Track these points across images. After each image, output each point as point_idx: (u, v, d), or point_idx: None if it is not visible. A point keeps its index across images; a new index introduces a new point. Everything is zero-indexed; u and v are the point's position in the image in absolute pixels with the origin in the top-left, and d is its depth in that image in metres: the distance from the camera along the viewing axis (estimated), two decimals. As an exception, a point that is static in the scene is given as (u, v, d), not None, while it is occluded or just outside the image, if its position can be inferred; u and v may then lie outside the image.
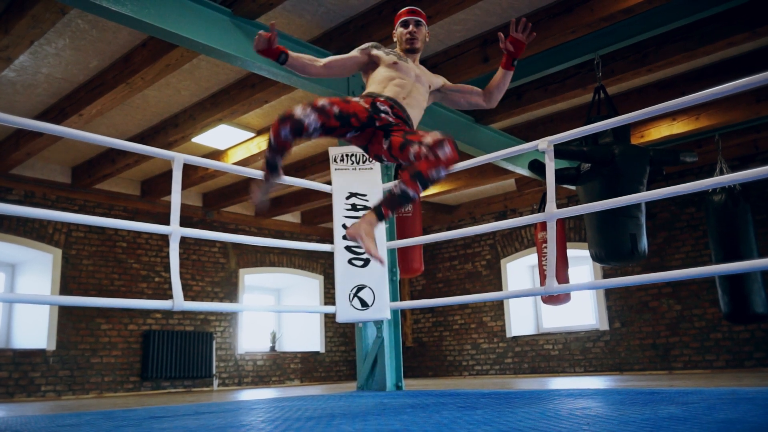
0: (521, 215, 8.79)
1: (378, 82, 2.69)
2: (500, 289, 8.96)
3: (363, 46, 2.83)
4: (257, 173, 3.86)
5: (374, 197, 4.12)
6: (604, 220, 4.42)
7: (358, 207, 4.10)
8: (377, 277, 3.97)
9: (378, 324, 4.50)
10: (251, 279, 9.17)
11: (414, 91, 2.70)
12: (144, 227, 3.19)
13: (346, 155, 4.25)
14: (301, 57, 2.71)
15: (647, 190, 4.42)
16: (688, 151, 4.73)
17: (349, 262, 3.98)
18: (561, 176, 4.64)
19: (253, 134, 6.47)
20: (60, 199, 7.24)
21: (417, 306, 4.05)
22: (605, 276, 7.83)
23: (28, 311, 7.07)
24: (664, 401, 2.12)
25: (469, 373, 9.22)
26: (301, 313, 9.77)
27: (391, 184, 2.42)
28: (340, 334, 9.82)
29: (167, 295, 5.88)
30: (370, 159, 2.72)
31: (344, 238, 2.35)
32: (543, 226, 5.86)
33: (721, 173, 5.60)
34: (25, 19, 3.91)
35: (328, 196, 4.23)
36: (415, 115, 2.72)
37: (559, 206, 3.27)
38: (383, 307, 3.97)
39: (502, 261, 9.19)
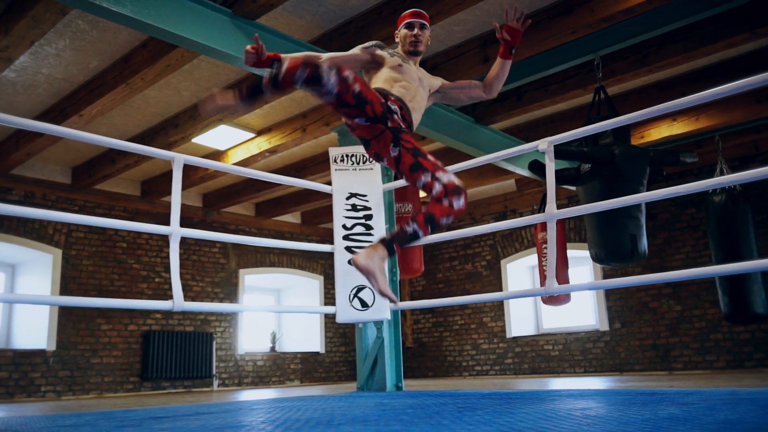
0: (521, 216, 8.79)
1: (384, 81, 2.67)
2: (500, 289, 8.96)
3: (366, 44, 2.79)
4: (257, 173, 3.87)
5: (374, 197, 4.12)
6: (604, 220, 4.42)
7: (358, 207, 4.10)
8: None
9: (378, 324, 4.50)
10: (251, 279, 9.17)
11: (417, 95, 2.70)
12: (144, 227, 3.19)
13: (347, 156, 4.25)
14: (298, 58, 2.69)
15: (647, 190, 4.42)
16: (688, 152, 4.73)
17: (349, 262, 3.98)
18: (561, 177, 4.64)
19: (253, 134, 6.48)
20: (60, 200, 7.24)
21: (417, 306, 4.05)
22: (605, 276, 7.83)
23: (28, 311, 7.07)
24: (664, 402, 2.12)
25: (469, 373, 9.22)
26: (301, 314, 9.77)
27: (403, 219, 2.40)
28: (340, 334, 9.82)
29: (167, 295, 5.88)
30: (369, 158, 2.69)
31: (349, 262, 2.33)
32: (543, 226, 5.85)
33: (722, 174, 5.60)
34: (25, 20, 3.91)
35: (329, 196, 4.24)
36: (417, 119, 2.73)
37: (559, 207, 3.27)
38: (383, 308, 3.97)
39: (502, 261, 9.19)
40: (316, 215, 9.59)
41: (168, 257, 3.17)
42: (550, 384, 5.71)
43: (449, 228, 9.62)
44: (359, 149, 4.35)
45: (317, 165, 7.25)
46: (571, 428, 1.49)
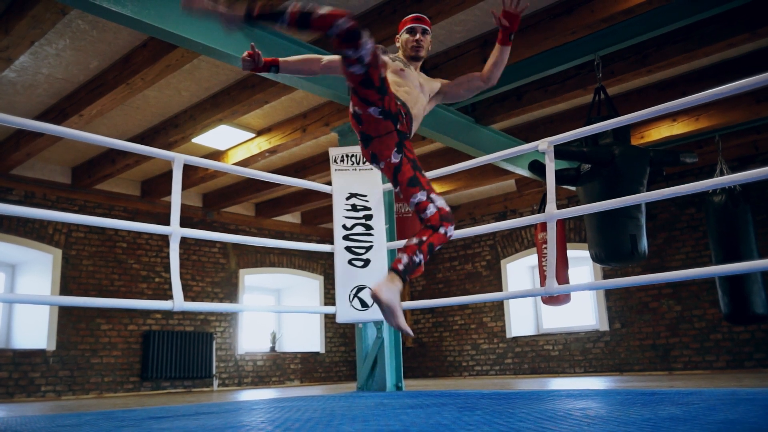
0: (521, 216, 8.79)
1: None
2: (500, 289, 8.96)
3: None
4: (257, 173, 3.87)
5: (374, 198, 4.12)
6: (604, 220, 4.42)
7: (359, 207, 4.10)
8: (377, 278, 3.96)
9: (378, 324, 4.51)
10: (251, 279, 9.17)
11: (418, 102, 2.68)
12: (144, 227, 3.19)
13: (346, 156, 4.25)
14: (296, 61, 2.69)
15: (647, 190, 4.42)
16: (688, 152, 4.73)
17: (349, 262, 3.99)
18: (561, 177, 4.64)
19: (253, 134, 6.48)
20: (60, 200, 7.24)
21: (417, 306, 4.05)
22: (605, 277, 7.83)
23: (28, 311, 7.07)
24: (664, 402, 2.12)
25: (469, 373, 9.22)
26: (301, 314, 9.77)
27: (408, 246, 2.39)
28: (340, 334, 9.82)
29: (167, 295, 5.87)
30: (365, 158, 2.65)
31: (372, 297, 2.30)
32: (543, 226, 5.85)
33: (721, 174, 5.60)
34: (25, 20, 3.91)
35: (329, 196, 4.24)
36: (416, 128, 2.73)
37: (559, 207, 3.27)
38: (383, 308, 3.96)
39: (502, 261, 9.19)
40: (316, 215, 9.59)
41: (168, 257, 3.18)
42: (549, 384, 5.71)
43: (449, 228, 9.62)
44: (359, 149, 4.35)
45: (317, 165, 7.25)
46: (571, 428, 1.49)
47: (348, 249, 4.01)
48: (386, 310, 2.29)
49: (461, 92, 2.89)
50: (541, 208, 6.25)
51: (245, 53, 2.55)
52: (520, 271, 9.27)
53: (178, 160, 3.17)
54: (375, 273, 3.97)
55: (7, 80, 5.14)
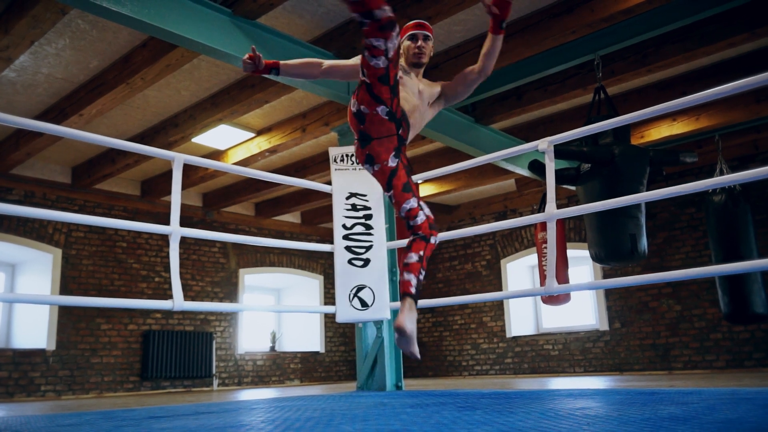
0: (521, 215, 8.79)
1: None
2: (500, 289, 8.97)
3: None
4: (257, 173, 3.87)
5: (374, 197, 4.12)
6: (603, 220, 4.42)
7: (358, 207, 4.10)
8: (377, 277, 3.97)
9: (378, 324, 4.51)
10: (251, 279, 9.18)
11: (416, 111, 2.66)
12: (144, 227, 3.19)
13: (346, 155, 4.25)
14: (297, 65, 2.67)
15: (647, 190, 4.42)
16: (688, 152, 4.73)
17: (349, 262, 3.99)
18: (561, 176, 4.64)
19: (253, 134, 6.48)
20: (60, 199, 7.24)
21: (417, 306, 4.04)
22: (605, 276, 7.83)
23: (28, 311, 7.07)
24: (664, 401, 2.12)
25: (468, 373, 9.22)
26: (301, 313, 9.77)
27: (411, 268, 2.45)
28: (340, 334, 9.82)
29: (167, 295, 5.87)
30: (358, 159, 2.63)
31: (397, 331, 2.34)
32: (543, 226, 5.85)
33: (721, 173, 5.60)
34: (25, 19, 3.91)
35: (328, 196, 4.24)
36: (412, 136, 2.71)
37: (559, 206, 3.27)
38: (383, 307, 3.98)
39: (502, 261, 9.19)
40: (316, 215, 9.59)
41: (168, 257, 3.18)
42: (549, 384, 5.71)
43: (449, 228, 9.63)
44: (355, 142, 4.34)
45: (317, 165, 7.25)
46: (571, 428, 1.49)
47: (348, 248, 4.01)
48: (408, 339, 2.34)
49: (459, 90, 2.84)
50: (541, 208, 6.25)
51: (246, 55, 2.55)
52: (520, 271, 9.27)
53: (177, 159, 3.17)
54: (375, 272, 3.97)
55: (7, 80, 5.14)
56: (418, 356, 2.42)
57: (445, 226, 9.80)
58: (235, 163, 6.66)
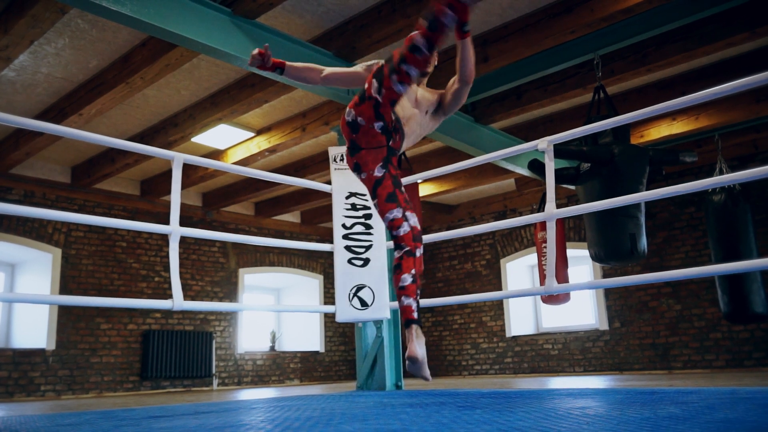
0: (521, 215, 8.80)
1: None
2: (500, 288, 8.97)
3: (368, 62, 2.80)
4: (257, 173, 3.87)
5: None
6: (603, 220, 4.42)
7: (358, 207, 4.10)
8: (377, 277, 3.97)
9: (378, 324, 4.51)
10: (251, 279, 9.17)
11: (412, 120, 2.64)
12: (144, 227, 3.19)
13: (345, 154, 4.24)
14: (300, 68, 2.69)
15: (647, 189, 4.42)
16: (687, 151, 4.73)
17: (349, 261, 3.99)
18: (560, 176, 4.65)
19: (252, 134, 6.48)
20: (60, 199, 7.24)
21: (417, 306, 4.04)
22: (605, 276, 7.84)
23: (27, 311, 7.07)
24: (663, 401, 2.13)
25: (468, 372, 9.22)
26: (301, 313, 9.77)
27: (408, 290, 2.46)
28: (339, 333, 9.82)
29: (167, 294, 5.87)
30: (347, 164, 2.64)
31: (410, 360, 2.36)
32: (543, 225, 5.86)
33: (721, 173, 5.60)
34: (24, 19, 3.91)
35: (328, 195, 4.24)
36: (407, 145, 2.71)
37: (558, 206, 3.27)
38: (383, 307, 3.98)
39: (502, 261, 9.19)
40: (316, 214, 9.59)
41: (167, 256, 3.17)
42: (549, 383, 5.71)
43: (449, 227, 9.63)
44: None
45: (317, 164, 7.25)
46: (571, 427, 1.49)
47: (348, 248, 4.01)
48: (420, 366, 2.36)
49: (450, 100, 2.81)
50: (541, 207, 6.25)
51: (256, 50, 2.55)
52: (519, 271, 9.28)
53: (177, 159, 3.17)
54: (374, 272, 3.97)
55: (7, 79, 5.14)
56: (430, 378, 2.42)
57: (445, 226, 9.80)
58: (235, 163, 6.66)
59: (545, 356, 8.46)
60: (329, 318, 9.57)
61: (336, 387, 6.92)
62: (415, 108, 2.67)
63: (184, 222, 3.40)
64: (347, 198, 4.11)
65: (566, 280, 6.13)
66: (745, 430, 1.36)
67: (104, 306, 5.84)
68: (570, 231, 8.33)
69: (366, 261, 4.00)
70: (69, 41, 4.63)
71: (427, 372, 2.39)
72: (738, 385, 3.79)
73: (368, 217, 4.08)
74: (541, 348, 8.54)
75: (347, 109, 2.50)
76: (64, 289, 7.07)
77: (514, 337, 8.83)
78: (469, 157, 5.63)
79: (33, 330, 6.94)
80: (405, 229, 2.48)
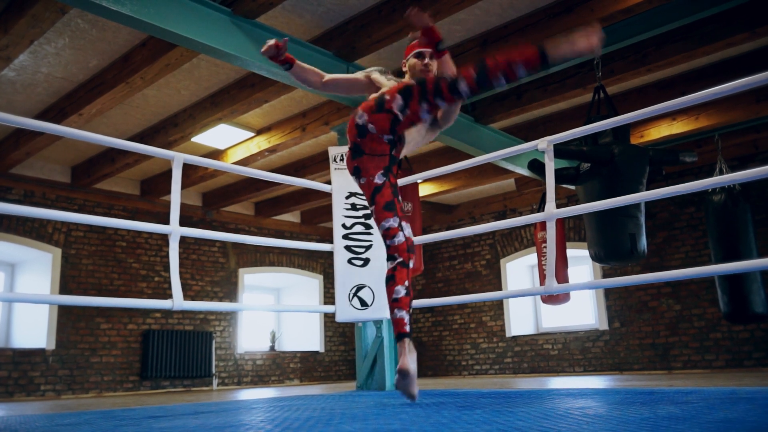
0: (521, 215, 8.80)
1: None
2: (500, 288, 8.96)
3: (368, 69, 2.81)
4: (257, 173, 3.87)
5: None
6: (603, 219, 4.42)
7: (358, 206, 4.10)
8: (377, 277, 3.97)
9: (377, 323, 4.51)
10: (251, 278, 9.17)
11: (413, 128, 2.65)
12: (144, 227, 3.19)
13: (346, 155, 4.24)
14: (306, 69, 2.69)
15: (647, 189, 4.42)
16: (687, 151, 4.73)
17: (349, 261, 3.99)
18: (560, 176, 4.64)
19: (252, 134, 6.48)
20: (59, 199, 7.24)
21: (416, 306, 4.04)
22: (605, 276, 7.83)
23: (27, 311, 7.07)
24: (663, 401, 2.13)
25: (468, 372, 9.22)
26: (301, 313, 9.77)
27: (402, 304, 2.47)
28: (339, 333, 9.82)
29: (167, 294, 5.87)
30: (347, 167, 2.64)
31: (401, 374, 2.35)
32: (542, 225, 5.86)
33: (721, 173, 5.60)
34: (24, 19, 3.91)
35: (328, 195, 4.24)
36: (405, 152, 2.73)
37: (558, 206, 3.27)
38: (383, 307, 3.98)
39: (502, 261, 9.19)
40: (316, 214, 9.59)
41: (167, 256, 3.17)
42: (549, 383, 5.71)
43: (449, 227, 9.63)
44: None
45: (317, 164, 7.25)
46: (571, 427, 1.49)
47: (347, 248, 4.01)
48: (410, 381, 2.35)
49: (441, 113, 2.80)
50: (541, 207, 6.25)
51: (274, 41, 2.54)
52: (519, 270, 9.27)
53: (177, 159, 3.17)
54: (374, 272, 3.97)
55: (7, 79, 5.14)
56: (416, 397, 2.41)
57: (445, 226, 9.80)
58: (235, 163, 6.66)
59: (545, 356, 8.46)
60: (329, 318, 9.56)
61: (336, 387, 6.92)
62: None
63: (184, 222, 3.40)
64: (347, 198, 4.11)
65: (566, 280, 6.13)
66: (745, 430, 1.36)
67: (104, 306, 5.84)
68: (570, 231, 8.33)
69: (366, 261, 4.00)
70: (69, 41, 4.63)
71: (415, 389, 2.38)
72: (738, 385, 3.79)
73: (368, 217, 4.08)
74: (541, 348, 8.54)
75: (359, 110, 2.48)
76: (64, 289, 7.07)
77: (514, 337, 8.83)
78: (469, 157, 5.62)
79: (33, 330, 6.94)
80: (400, 239, 2.49)
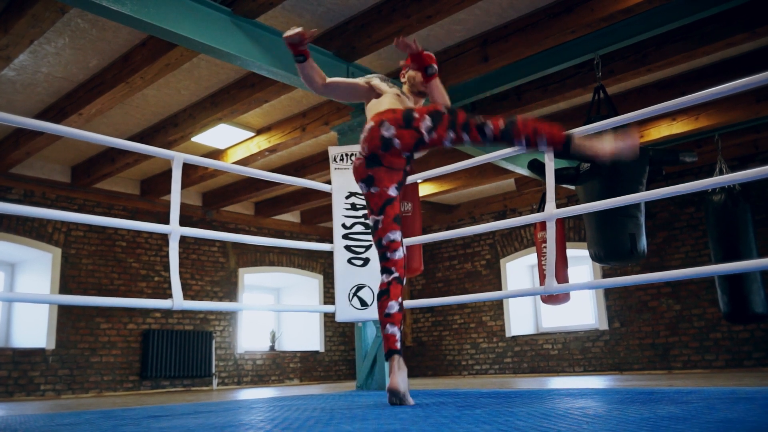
0: (521, 215, 8.80)
1: (390, 105, 2.65)
2: (500, 288, 8.97)
3: (368, 76, 2.82)
4: (257, 172, 3.87)
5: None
6: (603, 219, 4.42)
7: (358, 206, 4.10)
8: (377, 277, 3.96)
9: (377, 323, 4.50)
10: (251, 278, 9.17)
11: None
12: (144, 226, 3.19)
13: (346, 155, 4.25)
14: (314, 67, 2.69)
15: (647, 189, 4.42)
16: (687, 151, 4.73)
17: (349, 261, 3.99)
18: (560, 176, 4.64)
19: (252, 134, 6.48)
20: (59, 199, 7.24)
21: (416, 305, 4.05)
22: (605, 276, 7.83)
23: (27, 310, 7.07)
24: (663, 401, 2.13)
25: (468, 372, 9.22)
26: (301, 313, 9.77)
27: (395, 322, 2.48)
28: (339, 333, 9.82)
29: (167, 294, 5.87)
30: (356, 174, 2.62)
31: (392, 393, 2.35)
32: (542, 225, 5.86)
33: (721, 173, 5.60)
34: (24, 19, 3.91)
35: (328, 195, 4.24)
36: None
37: (558, 206, 3.27)
38: (383, 307, 3.97)
39: (502, 261, 9.19)
40: (316, 214, 9.59)
41: (167, 256, 3.17)
42: (549, 383, 5.71)
43: (449, 227, 9.63)
44: (359, 148, 4.34)
45: (317, 164, 7.25)
46: (571, 427, 1.49)
47: (347, 248, 4.01)
48: (401, 398, 2.35)
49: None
50: (541, 207, 6.25)
51: (302, 29, 2.51)
52: (519, 270, 9.28)
53: (177, 159, 3.17)
54: (374, 272, 3.96)
55: (7, 79, 5.14)
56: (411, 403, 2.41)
57: (445, 226, 9.80)
58: (235, 163, 6.66)
59: (545, 356, 8.46)
60: (329, 318, 9.56)
61: (336, 387, 6.92)
62: None
63: (184, 222, 3.40)
64: (347, 198, 4.11)
65: (566, 280, 6.13)
66: (745, 430, 1.36)
67: (104, 306, 5.84)
68: (570, 231, 8.33)
69: (366, 261, 4.00)
70: (69, 41, 4.63)
71: (410, 402, 2.37)
72: (738, 385, 3.79)
73: (368, 217, 4.08)
74: (541, 348, 8.54)
75: (384, 122, 2.44)
76: (64, 289, 7.07)
77: (513, 337, 8.83)
78: (469, 156, 5.62)
79: (33, 329, 6.94)
80: (399, 254, 2.50)
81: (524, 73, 5.02)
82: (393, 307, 2.42)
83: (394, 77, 4.83)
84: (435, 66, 2.71)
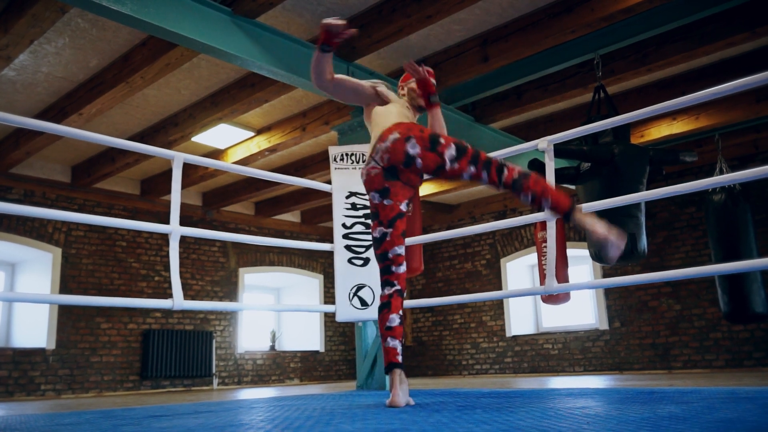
0: (521, 215, 8.79)
1: (397, 116, 2.64)
2: (500, 288, 8.96)
3: (374, 81, 2.81)
4: (257, 172, 3.87)
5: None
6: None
7: (358, 206, 4.10)
8: (377, 277, 3.96)
9: (378, 323, 4.50)
10: (251, 278, 9.17)
11: None
12: (144, 226, 3.19)
13: (346, 154, 4.25)
14: (330, 62, 2.68)
15: (647, 189, 4.42)
16: (687, 151, 4.73)
17: (349, 261, 3.99)
18: (561, 176, 4.64)
19: (252, 133, 6.48)
20: (60, 198, 7.24)
21: (416, 305, 4.05)
22: (605, 275, 7.83)
23: (27, 310, 7.07)
24: (663, 400, 2.13)
25: (468, 372, 9.22)
26: (301, 313, 9.77)
27: (395, 333, 2.47)
28: (339, 333, 9.82)
29: (167, 294, 5.87)
30: (369, 182, 2.62)
31: (389, 407, 2.35)
32: (543, 225, 5.85)
33: (721, 173, 5.60)
34: (25, 18, 3.91)
35: (328, 195, 4.24)
36: None
37: (558, 206, 3.26)
38: (383, 307, 3.97)
39: (502, 260, 9.19)
40: (316, 214, 9.59)
41: (168, 256, 3.18)
42: (549, 383, 5.71)
43: (449, 227, 9.63)
44: (359, 148, 4.35)
45: (317, 164, 7.25)
46: (571, 427, 1.49)
47: (348, 248, 4.01)
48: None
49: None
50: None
51: (345, 22, 2.48)
52: (519, 270, 9.27)
53: (177, 158, 3.17)
54: (375, 271, 3.95)
55: (7, 79, 5.14)
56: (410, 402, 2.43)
57: (445, 226, 9.80)
58: (235, 162, 6.66)
59: (545, 356, 8.46)
60: (329, 317, 9.57)
61: (336, 387, 6.92)
62: None
63: (184, 221, 3.40)
64: (347, 197, 4.11)
65: (566, 280, 6.12)
66: (745, 430, 1.36)
67: (104, 305, 5.84)
68: (570, 231, 8.33)
69: (366, 260, 4.00)
70: (69, 41, 4.63)
71: (410, 403, 2.37)
72: (738, 385, 3.79)
73: (368, 216, 4.08)
74: (541, 348, 8.54)
75: (411, 139, 2.42)
76: (64, 289, 7.07)
77: (514, 336, 8.83)
78: (469, 156, 5.61)
79: (33, 329, 6.95)
80: (403, 269, 2.52)
81: (524, 73, 5.02)
82: (394, 320, 2.42)
83: (394, 77, 4.84)
84: (437, 96, 2.75)
